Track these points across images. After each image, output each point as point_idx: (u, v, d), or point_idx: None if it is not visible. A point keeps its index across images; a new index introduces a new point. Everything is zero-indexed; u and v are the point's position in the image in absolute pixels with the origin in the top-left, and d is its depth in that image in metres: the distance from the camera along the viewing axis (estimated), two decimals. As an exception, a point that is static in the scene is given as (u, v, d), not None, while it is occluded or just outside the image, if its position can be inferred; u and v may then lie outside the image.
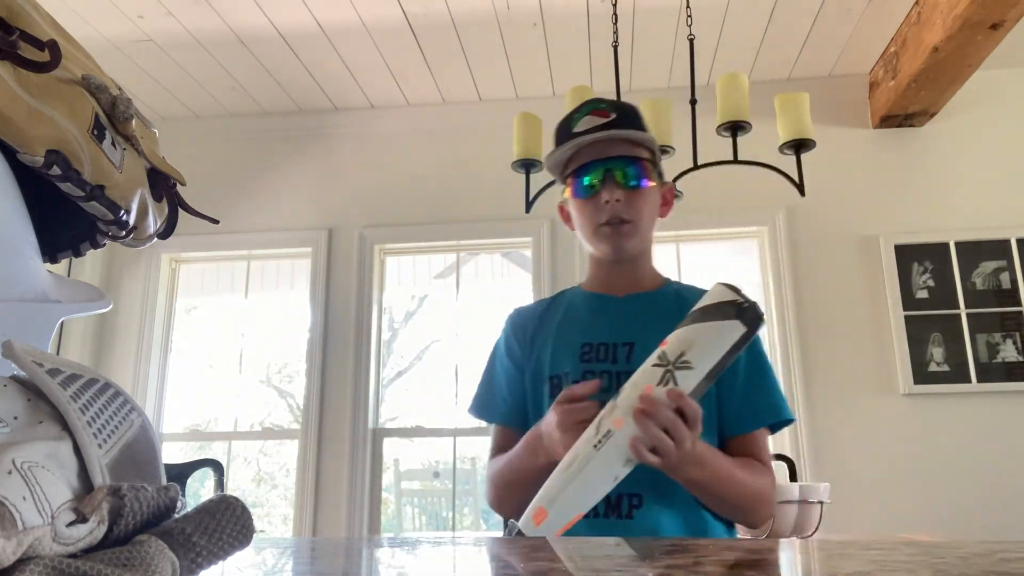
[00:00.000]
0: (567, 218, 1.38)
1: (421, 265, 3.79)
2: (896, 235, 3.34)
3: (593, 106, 1.30)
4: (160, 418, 3.65)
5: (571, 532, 0.99)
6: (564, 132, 1.31)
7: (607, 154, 1.26)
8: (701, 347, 0.97)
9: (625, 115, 1.29)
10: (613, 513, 1.19)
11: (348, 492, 3.37)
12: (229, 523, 0.36)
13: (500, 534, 2.53)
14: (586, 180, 1.27)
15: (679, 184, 2.33)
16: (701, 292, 1.32)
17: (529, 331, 1.36)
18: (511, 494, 1.26)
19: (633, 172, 1.26)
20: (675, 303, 1.29)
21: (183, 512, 0.36)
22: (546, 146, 1.51)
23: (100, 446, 0.35)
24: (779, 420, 1.26)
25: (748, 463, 1.21)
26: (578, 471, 0.95)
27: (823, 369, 3.26)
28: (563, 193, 1.35)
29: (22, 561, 0.28)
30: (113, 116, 0.65)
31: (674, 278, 1.40)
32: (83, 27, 3.08)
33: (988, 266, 3.26)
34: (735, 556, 0.56)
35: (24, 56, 0.55)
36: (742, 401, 1.25)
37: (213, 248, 3.74)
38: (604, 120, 1.27)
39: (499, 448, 1.33)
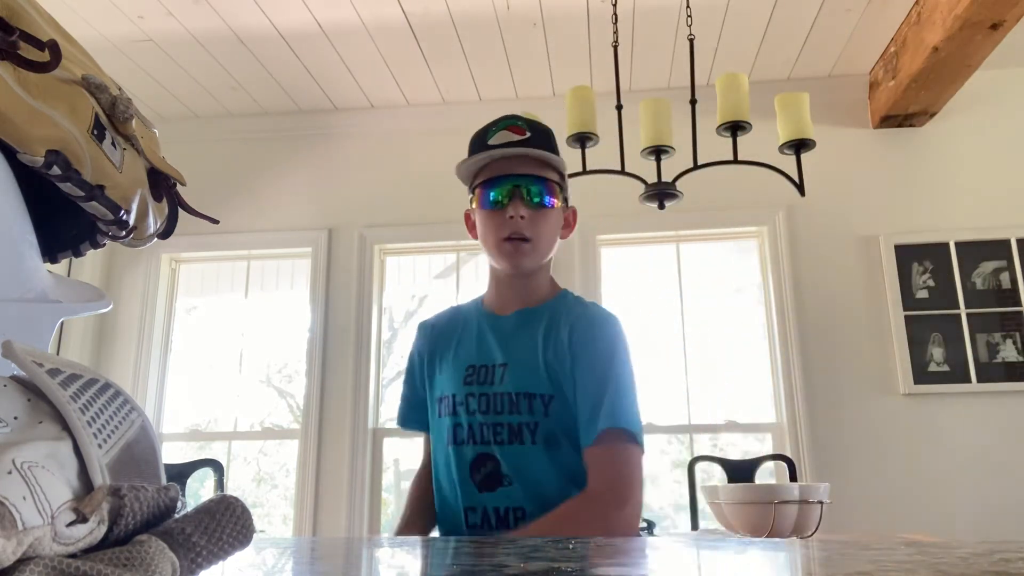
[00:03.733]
0: (472, 227, 1.40)
1: (421, 265, 3.79)
2: (896, 235, 3.33)
3: (510, 122, 1.33)
4: (160, 418, 3.65)
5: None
6: (478, 143, 1.34)
7: (517, 171, 1.29)
8: None
9: (539, 135, 1.32)
10: (502, 526, 1.21)
11: (348, 492, 3.37)
12: (229, 523, 0.36)
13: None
14: (493, 194, 1.29)
15: (679, 184, 2.33)
16: (583, 309, 1.33)
17: (428, 349, 1.41)
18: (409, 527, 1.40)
19: (538, 191, 1.29)
20: (549, 318, 1.30)
21: (183, 512, 0.36)
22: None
23: (100, 446, 0.35)
24: (614, 426, 1.18)
25: (564, 518, 1.13)
26: None
27: (823, 369, 3.26)
28: (471, 202, 1.37)
29: (22, 561, 0.28)
30: (113, 116, 0.65)
31: (575, 292, 1.41)
32: (83, 27, 3.08)
33: (988, 266, 3.26)
34: (735, 556, 0.56)
35: (24, 56, 0.55)
36: (588, 408, 1.21)
37: (213, 248, 3.74)
38: (519, 137, 1.31)
39: (427, 455, 1.42)
